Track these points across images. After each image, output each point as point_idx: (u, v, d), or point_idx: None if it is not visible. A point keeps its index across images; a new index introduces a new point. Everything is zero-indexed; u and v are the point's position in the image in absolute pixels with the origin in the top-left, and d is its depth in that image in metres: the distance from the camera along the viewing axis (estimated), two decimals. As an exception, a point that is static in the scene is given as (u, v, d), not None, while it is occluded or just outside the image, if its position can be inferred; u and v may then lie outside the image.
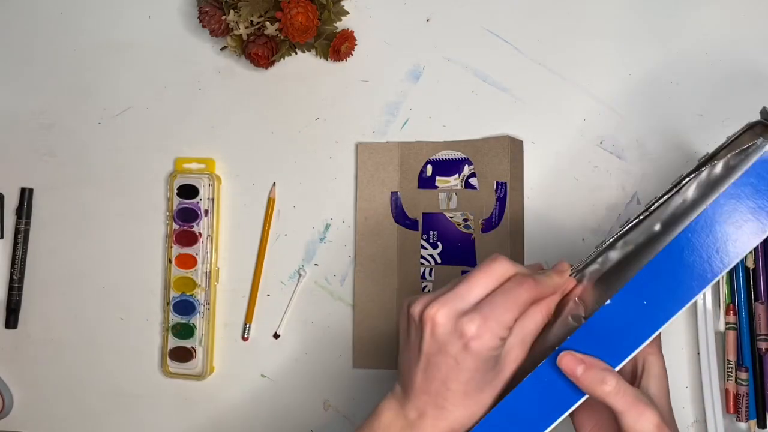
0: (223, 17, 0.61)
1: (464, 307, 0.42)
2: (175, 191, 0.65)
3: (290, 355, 0.64)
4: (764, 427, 0.56)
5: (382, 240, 0.62)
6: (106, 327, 0.67)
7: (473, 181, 0.60)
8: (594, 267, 0.47)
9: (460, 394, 0.42)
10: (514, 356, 0.43)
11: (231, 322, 0.65)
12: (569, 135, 0.60)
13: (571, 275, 0.46)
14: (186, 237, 0.65)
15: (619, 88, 0.59)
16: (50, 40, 0.70)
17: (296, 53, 0.64)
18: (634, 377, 0.45)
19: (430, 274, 0.61)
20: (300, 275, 0.64)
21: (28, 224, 0.69)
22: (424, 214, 0.61)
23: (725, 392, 0.56)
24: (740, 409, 0.56)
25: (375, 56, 0.64)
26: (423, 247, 0.61)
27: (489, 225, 0.60)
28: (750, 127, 0.45)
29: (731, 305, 0.57)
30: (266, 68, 0.64)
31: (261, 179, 0.65)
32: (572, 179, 0.60)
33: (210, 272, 0.65)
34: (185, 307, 0.65)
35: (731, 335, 0.56)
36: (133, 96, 0.68)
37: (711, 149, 0.48)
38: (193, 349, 0.64)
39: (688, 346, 0.57)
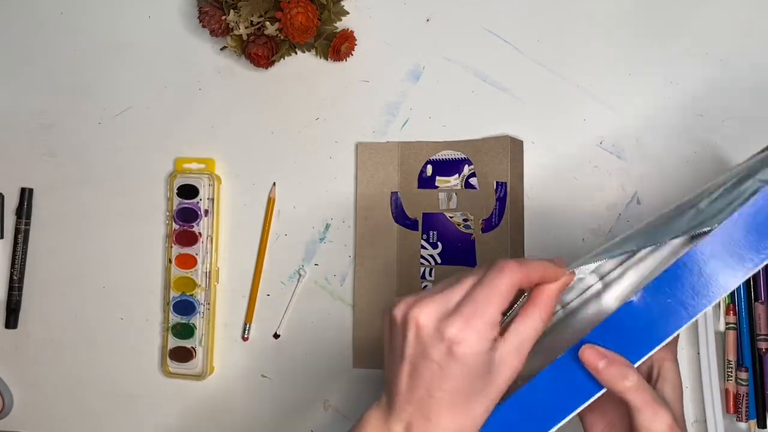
0: (223, 17, 0.61)
1: (450, 307, 0.39)
2: (175, 191, 0.65)
3: (290, 355, 0.64)
4: (764, 427, 0.56)
5: (382, 240, 0.62)
6: (106, 327, 0.67)
7: (473, 181, 0.60)
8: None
9: (446, 404, 0.39)
10: (510, 364, 0.39)
11: (231, 322, 0.65)
12: (569, 135, 0.60)
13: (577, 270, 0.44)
14: (186, 237, 0.65)
15: (619, 88, 0.59)
16: (50, 40, 0.70)
17: (296, 53, 0.64)
18: (648, 382, 0.44)
19: (430, 274, 0.61)
20: (300, 275, 0.64)
21: (28, 224, 0.69)
22: (424, 214, 0.61)
23: (725, 392, 0.56)
24: (740, 409, 0.55)
25: (375, 56, 0.64)
26: (423, 247, 0.61)
27: (489, 225, 0.60)
28: None
29: (731, 305, 0.57)
30: (266, 68, 0.63)
31: (261, 179, 0.65)
32: (572, 179, 0.60)
33: (210, 272, 0.65)
34: (185, 307, 0.65)
35: (731, 335, 0.56)
36: (133, 96, 0.68)
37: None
38: (193, 349, 0.64)
39: (688, 346, 0.57)
